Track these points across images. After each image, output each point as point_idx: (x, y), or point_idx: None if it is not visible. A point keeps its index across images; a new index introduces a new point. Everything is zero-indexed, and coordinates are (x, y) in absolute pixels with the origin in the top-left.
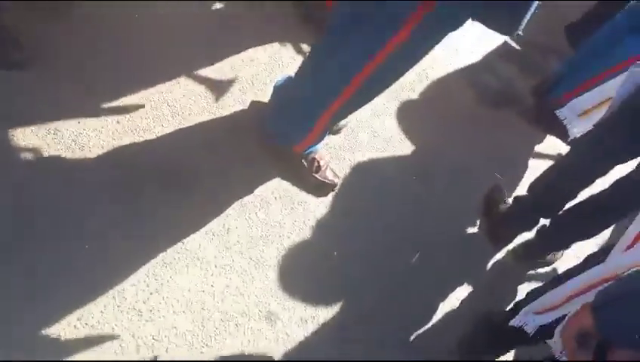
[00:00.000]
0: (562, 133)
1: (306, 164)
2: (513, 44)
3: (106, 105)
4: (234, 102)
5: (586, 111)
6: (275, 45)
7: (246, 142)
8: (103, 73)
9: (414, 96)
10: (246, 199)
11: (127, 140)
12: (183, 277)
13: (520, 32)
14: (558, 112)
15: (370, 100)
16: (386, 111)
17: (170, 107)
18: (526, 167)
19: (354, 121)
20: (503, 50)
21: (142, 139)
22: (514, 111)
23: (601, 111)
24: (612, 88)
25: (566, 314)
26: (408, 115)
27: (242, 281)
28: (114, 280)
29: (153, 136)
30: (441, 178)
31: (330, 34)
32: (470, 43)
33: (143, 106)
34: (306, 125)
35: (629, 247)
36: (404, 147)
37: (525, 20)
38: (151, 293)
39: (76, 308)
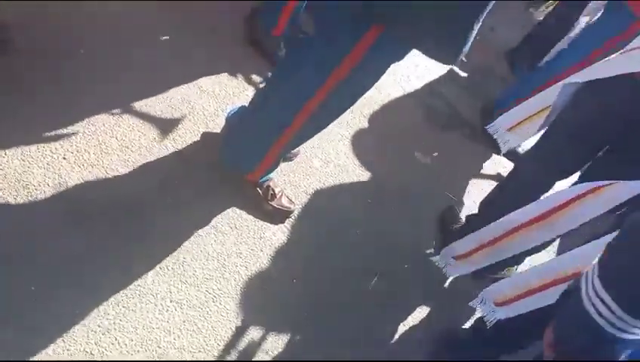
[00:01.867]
0: (507, 152)
1: (260, 192)
2: (459, 70)
3: (50, 141)
4: (185, 134)
5: (515, 125)
6: (225, 75)
7: (198, 173)
8: (47, 107)
9: (365, 121)
10: (201, 231)
11: (74, 176)
12: (136, 314)
13: (463, 59)
14: (487, 127)
15: (321, 129)
16: (337, 137)
17: (118, 140)
18: (476, 186)
19: (307, 147)
20: (449, 76)
21: (90, 175)
22: (461, 133)
23: (531, 124)
24: (539, 101)
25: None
26: (360, 139)
27: (199, 315)
28: (63, 322)
29: (102, 171)
30: (395, 200)
31: (280, 63)
32: (418, 69)
33: (90, 140)
34: (258, 154)
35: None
36: (357, 172)
37: (464, 50)
38: (102, 334)
39: (23, 352)
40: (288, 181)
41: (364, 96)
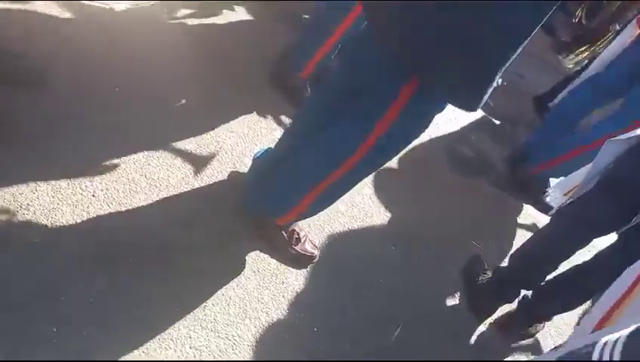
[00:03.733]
0: (536, 201)
1: (285, 235)
2: (487, 116)
3: (80, 178)
4: (213, 174)
5: (570, 190)
6: (254, 116)
7: (224, 214)
8: (77, 143)
9: (391, 165)
10: (223, 274)
11: (102, 214)
12: (155, 360)
13: (490, 103)
14: (547, 191)
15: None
16: (363, 182)
17: (147, 179)
18: (503, 235)
19: None
20: (478, 122)
21: (118, 213)
22: (487, 180)
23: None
24: (590, 167)
25: None
26: (385, 184)
27: None
28: None
29: (130, 210)
30: (420, 248)
31: (315, 109)
32: (446, 114)
33: (120, 178)
34: (292, 201)
35: (595, 330)
36: (383, 217)
37: (485, 97)
38: None
39: None
40: (312, 224)
41: None
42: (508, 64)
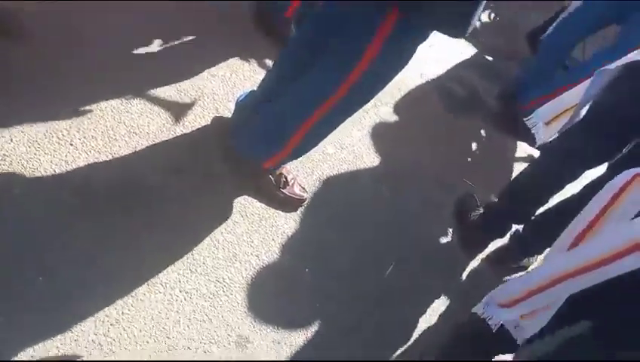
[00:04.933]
0: (528, 137)
1: (273, 179)
2: (480, 54)
3: (57, 127)
4: (195, 119)
5: (552, 119)
6: (236, 60)
7: (209, 159)
8: (55, 94)
9: (381, 105)
10: (210, 219)
11: (81, 163)
12: (144, 304)
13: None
14: (526, 120)
15: (343, 121)
16: (352, 123)
17: (126, 126)
18: (495, 171)
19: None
20: (470, 59)
21: (98, 162)
22: (480, 118)
23: (564, 119)
24: (574, 96)
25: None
26: (375, 125)
27: (209, 305)
28: (71, 313)
29: (110, 158)
30: (412, 188)
31: (299, 48)
32: (435, 51)
33: (98, 126)
34: (278, 142)
35: (572, 246)
36: (372, 158)
37: (473, 21)
38: (111, 324)
39: (31, 344)
40: (301, 167)
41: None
42: None
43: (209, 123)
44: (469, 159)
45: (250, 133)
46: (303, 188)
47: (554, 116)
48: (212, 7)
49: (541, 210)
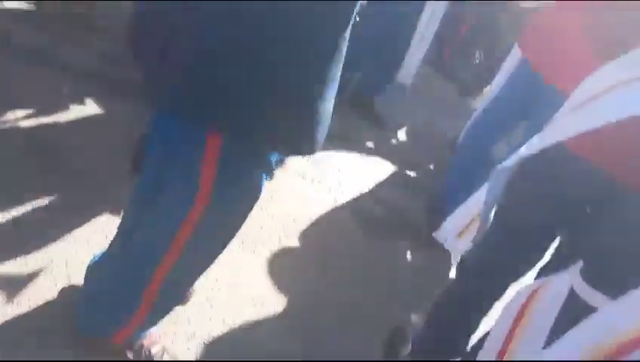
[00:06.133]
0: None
1: (130, 356)
2: (399, 170)
3: None
4: (39, 293)
5: (463, 230)
6: (104, 216)
7: (54, 343)
8: None
9: (288, 242)
10: None
11: None
12: None
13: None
14: (435, 235)
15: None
16: (249, 265)
17: None
18: (427, 295)
19: (210, 281)
20: (389, 177)
21: None
22: (407, 238)
23: (476, 226)
24: (478, 200)
25: None
26: (281, 265)
27: None
28: None
29: None
30: (331, 330)
31: (141, 193)
32: (348, 176)
33: None
34: (126, 305)
35: None
36: (277, 304)
37: (319, 132)
38: None
39: None
40: (181, 330)
41: (287, 214)
42: (332, 84)
43: (56, 296)
44: (397, 286)
45: (94, 302)
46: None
47: (465, 226)
48: (74, 161)
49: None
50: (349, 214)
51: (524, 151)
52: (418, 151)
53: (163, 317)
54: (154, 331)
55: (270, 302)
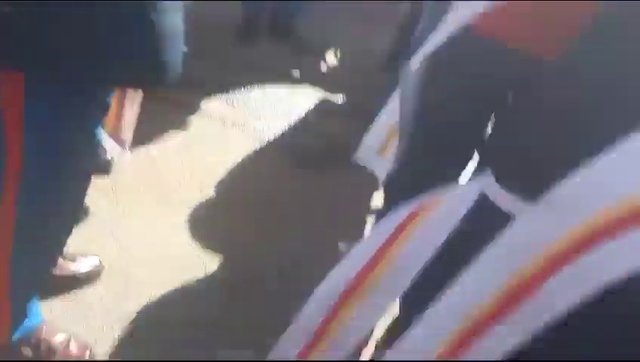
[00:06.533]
0: None
1: (29, 352)
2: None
3: None
4: None
5: (384, 147)
6: None
7: None
8: None
9: (212, 192)
10: None
11: None
12: None
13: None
14: (356, 159)
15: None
16: (166, 226)
17: None
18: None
19: (122, 248)
20: (318, 105)
21: None
22: (347, 167)
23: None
24: (393, 110)
25: None
26: (205, 219)
27: None
28: None
29: None
30: (273, 293)
31: None
32: (277, 110)
33: None
34: None
35: None
36: (207, 268)
37: (173, 62)
38: None
39: None
40: (96, 311)
41: (208, 161)
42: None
43: None
44: (339, 218)
45: None
46: (86, 345)
47: (384, 142)
48: None
49: None
50: (278, 153)
51: (428, 46)
52: (350, 73)
53: (30, 301)
54: (43, 319)
55: (197, 266)
